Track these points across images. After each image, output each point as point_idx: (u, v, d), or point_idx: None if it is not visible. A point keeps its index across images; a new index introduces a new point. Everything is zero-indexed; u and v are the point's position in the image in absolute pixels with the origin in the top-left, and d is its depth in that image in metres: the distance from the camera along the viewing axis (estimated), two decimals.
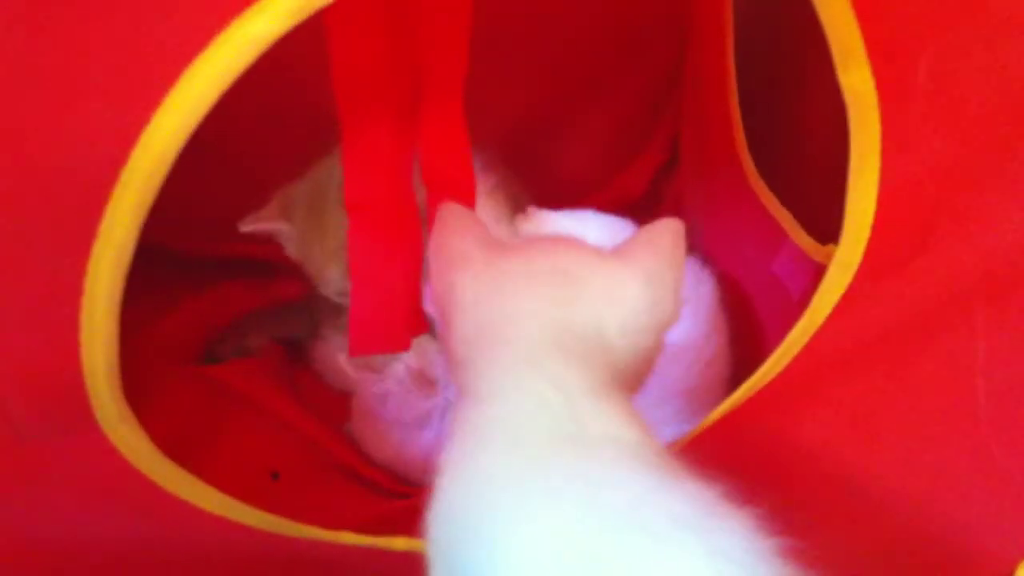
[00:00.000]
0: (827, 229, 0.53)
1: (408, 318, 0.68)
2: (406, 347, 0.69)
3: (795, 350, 0.51)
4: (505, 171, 0.86)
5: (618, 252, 0.52)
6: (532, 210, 0.82)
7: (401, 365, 0.78)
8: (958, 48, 0.43)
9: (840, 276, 0.49)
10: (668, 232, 0.52)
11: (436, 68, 0.63)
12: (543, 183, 0.93)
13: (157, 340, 0.91)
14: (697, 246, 0.90)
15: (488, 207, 0.81)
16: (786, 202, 0.73)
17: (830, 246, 0.60)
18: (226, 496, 0.51)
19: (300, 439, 0.77)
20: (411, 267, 0.68)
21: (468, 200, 0.67)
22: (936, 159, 0.45)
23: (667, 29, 1.02)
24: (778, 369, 0.52)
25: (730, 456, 0.56)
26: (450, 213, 0.55)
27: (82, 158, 0.38)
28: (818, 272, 0.60)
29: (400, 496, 0.73)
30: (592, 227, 0.80)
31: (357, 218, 0.66)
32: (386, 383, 0.78)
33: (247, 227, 0.79)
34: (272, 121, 0.98)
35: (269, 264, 1.03)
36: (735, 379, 0.72)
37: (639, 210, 1.02)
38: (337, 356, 0.85)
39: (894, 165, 0.45)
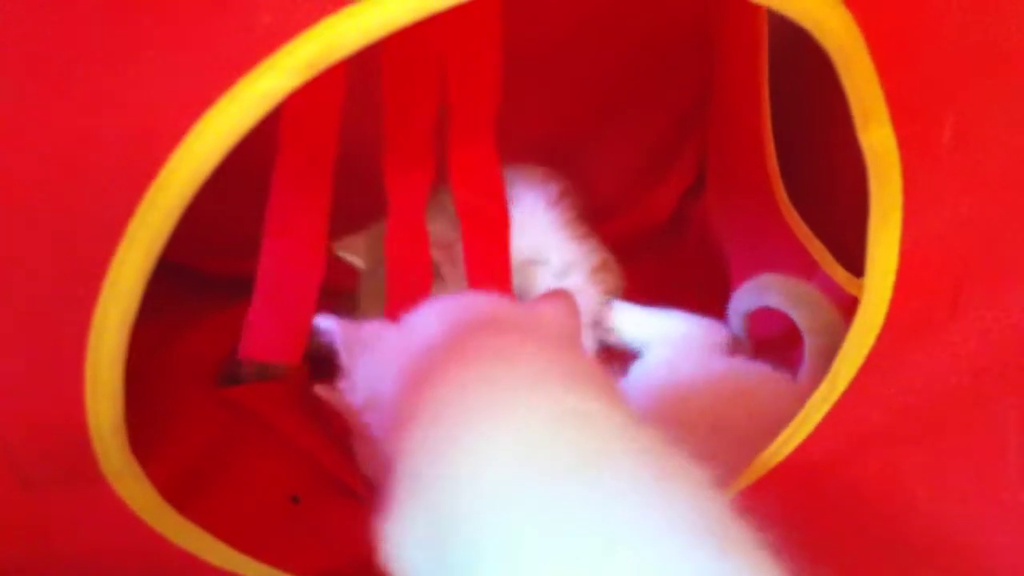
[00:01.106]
0: (861, 262, 0.52)
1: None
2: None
3: (816, 419, 0.49)
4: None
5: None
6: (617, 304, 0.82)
7: None
8: (982, 106, 0.42)
9: (862, 338, 0.47)
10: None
11: (467, 101, 0.63)
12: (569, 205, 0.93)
13: (178, 357, 0.91)
14: (724, 272, 0.89)
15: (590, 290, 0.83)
16: (820, 233, 0.71)
17: (863, 280, 0.58)
18: (230, 549, 0.50)
19: (319, 464, 0.77)
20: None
21: (502, 233, 0.66)
22: (961, 219, 0.44)
23: (695, 53, 1.01)
24: (800, 438, 0.50)
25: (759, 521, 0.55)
26: None
27: (89, 212, 0.38)
28: (852, 305, 0.59)
29: None
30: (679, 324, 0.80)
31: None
32: None
33: (340, 251, 0.82)
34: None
35: None
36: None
37: (665, 233, 1.03)
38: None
39: (917, 224, 0.44)
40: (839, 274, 0.65)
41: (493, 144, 0.66)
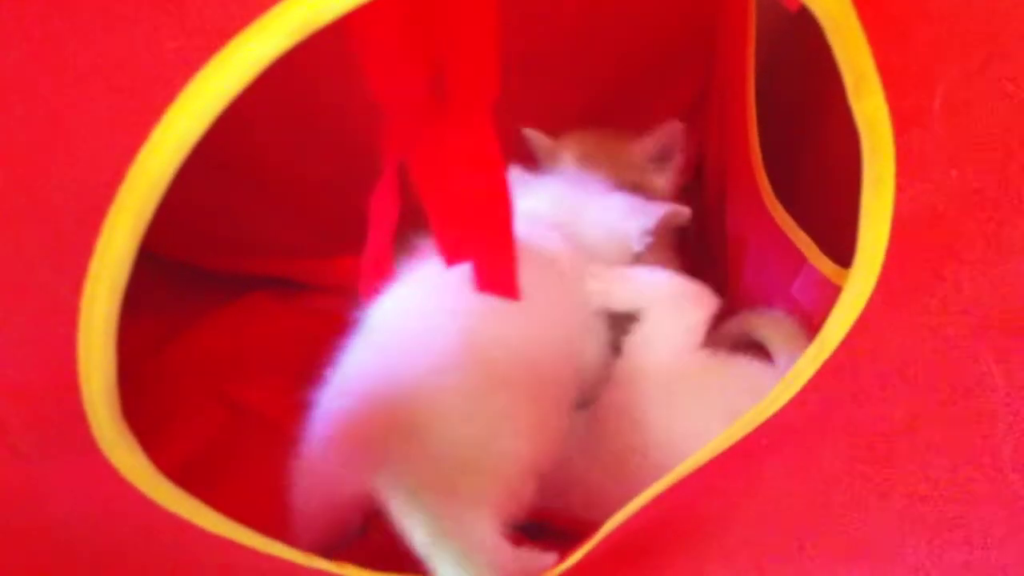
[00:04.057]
0: (850, 253, 0.52)
1: None
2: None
3: (806, 376, 0.50)
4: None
5: None
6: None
7: None
8: (973, 75, 0.42)
9: (853, 302, 0.48)
10: None
11: (464, 83, 0.62)
12: None
13: (180, 355, 0.91)
14: (721, 269, 0.89)
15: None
16: (811, 225, 0.72)
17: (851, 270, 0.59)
18: (225, 517, 0.50)
19: None
20: None
21: (505, 216, 0.66)
22: (952, 186, 0.44)
23: (695, 50, 1.02)
24: (789, 395, 0.51)
25: (742, 483, 0.55)
26: None
27: (78, 177, 0.38)
28: (838, 296, 0.59)
29: None
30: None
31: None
32: None
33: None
34: (297, 139, 0.99)
35: (293, 282, 1.04)
36: None
37: None
38: None
39: (908, 192, 0.44)
40: (826, 266, 0.65)
41: (492, 130, 0.65)
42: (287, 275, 1.04)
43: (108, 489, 0.47)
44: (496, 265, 0.65)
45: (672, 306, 0.75)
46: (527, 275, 0.67)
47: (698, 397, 0.70)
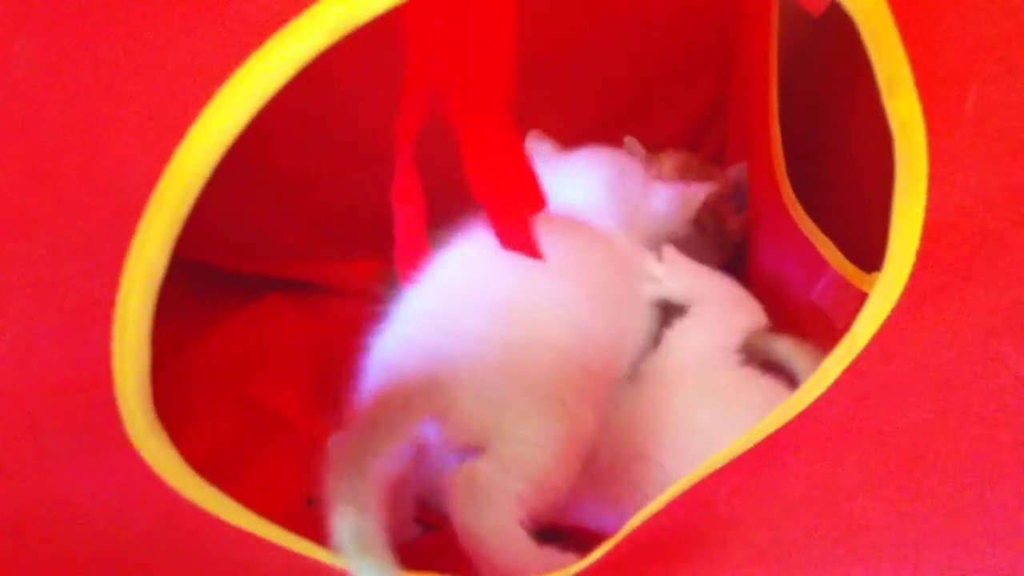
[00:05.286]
0: (874, 257, 0.52)
1: None
2: None
3: (834, 375, 0.50)
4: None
5: None
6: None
7: None
8: (1007, 76, 0.42)
9: (882, 303, 0.48)
10: None
11: (483, 84, 0.62)
12: None
13: (196, 357, 0.92)
14: (743, 273, 0.89)
15: None
16: (834, 229, 0.71)
17: (875, 275, 0.58)
18: (251, 513, 0.50)
19: None
20: None
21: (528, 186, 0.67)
22: (983, 188, 0.44)
23: (713, 55, 1.02)
24: (815, 395, 0.50)
25: (765, 483, 0.55)
26: None
27: (116, 175, 0.38)
28: (861, 301, 0.59)
29: (429, 528, 0.73)
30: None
31: None
32: None
33: None
34: (315, 143, 0.99)
35: (312, 285, 1.04)
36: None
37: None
38: None
39: (940, 193, 0.44)
40: (847, 269, 0.64)
41: (511, 120, 0.65)
42: (305, 278, 1.05)
43: (136, 484, 0.47)
44: (518, 223, 0.66)
45: (723, 306, 0.75)
46: (580, 252, 0.68)
47: (722, 411, 0.70)
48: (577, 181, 0.81)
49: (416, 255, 0.70)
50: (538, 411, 0.62)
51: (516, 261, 0.67)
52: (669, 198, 0.82)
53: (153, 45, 0.37)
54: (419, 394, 0.60)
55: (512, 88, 0.58)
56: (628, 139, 0.99)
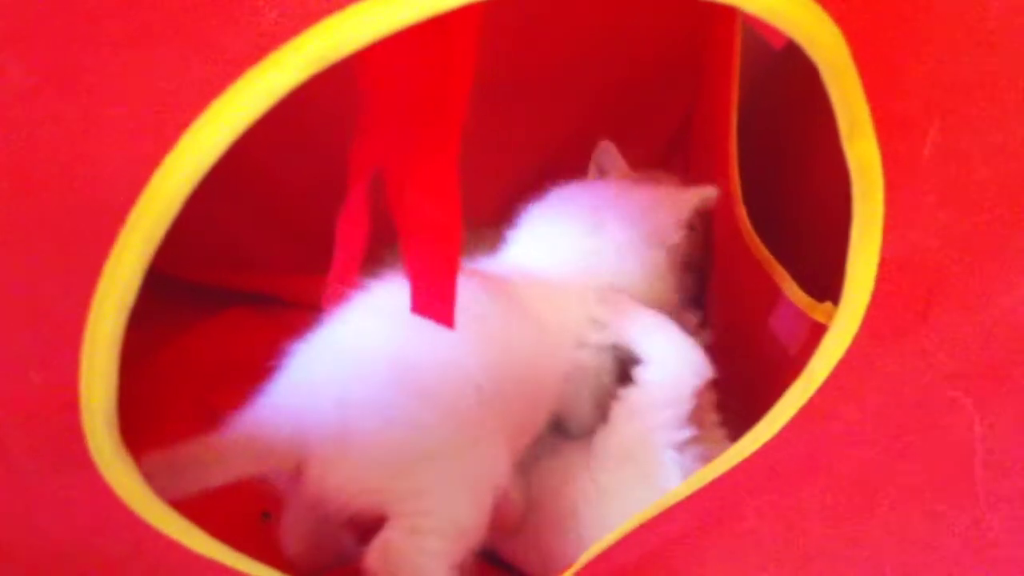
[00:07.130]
0: (828, 285, 0.53)
1: None
2: None
3: (790, 413, 0.51)
4: None
5: None
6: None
7: None
8: (965, 123, 0.43)
9: (839, 341, 0.49)
10: None
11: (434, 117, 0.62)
12: None
13: (163, 368, 0.91)
14: (700, 296, 0.90)
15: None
16: (788, 258, 0.72)
17: (827, 304, 0.60)
18: (216, 540, 0.50)
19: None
20: None
21: (452, 251, 0.65)
22: (940, 231, 0.45)
23: (682, 78, 1.03)
24: (773, 431, 0.51)
25: (717, 522, 0.56)
26: None
27: (91, 199, 0.38)
28: (816, 329, 0.60)
29: None
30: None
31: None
32: None
33: None
34: (285, 156, 0.99)
35: (277, 298, 1.04)
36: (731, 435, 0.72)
37: None
38: None
39: (897, 236, 0.45)
40: (801, 298, 0.65)
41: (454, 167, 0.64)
42: (270, 291, 1.04)
43: (101, 508, 0.47)
44: (435, 290, 0.64)
45: (668, 367, 0.71)
46: (473, 303, 0.66)
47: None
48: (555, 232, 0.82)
49: (344, 284, 0.71)
50: (432, 468, 0.61)
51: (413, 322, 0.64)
52: (650, 209, 0.82)
53: (135, 71, 0.37)
54: (246, 454, 0.61)
55: (457, 144, 0.58)
56: (604, 143, 0.96)
